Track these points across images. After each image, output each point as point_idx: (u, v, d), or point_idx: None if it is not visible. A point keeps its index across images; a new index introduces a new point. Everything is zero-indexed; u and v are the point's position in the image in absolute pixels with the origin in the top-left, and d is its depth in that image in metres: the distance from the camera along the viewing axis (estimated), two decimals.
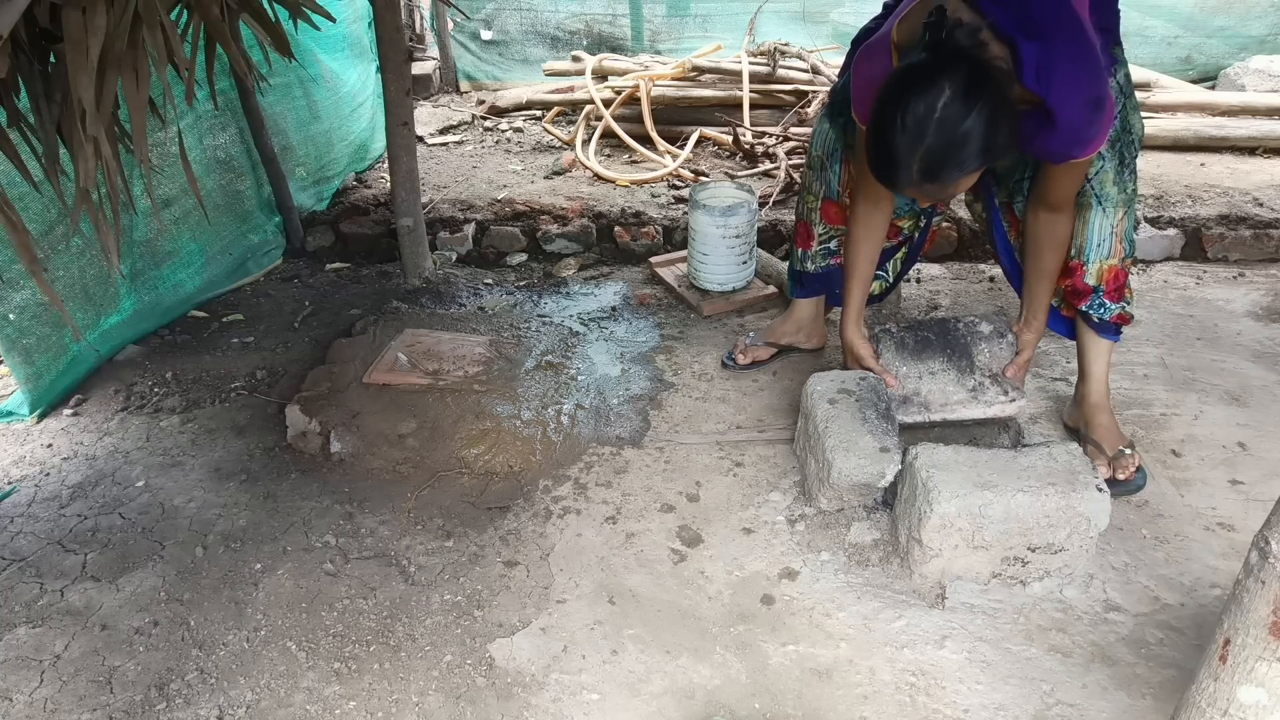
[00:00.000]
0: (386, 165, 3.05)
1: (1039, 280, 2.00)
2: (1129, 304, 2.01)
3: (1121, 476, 1.96)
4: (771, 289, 2.83)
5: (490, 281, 3.07)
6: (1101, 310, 1.99)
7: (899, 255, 2.41)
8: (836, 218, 2.28)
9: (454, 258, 3.30)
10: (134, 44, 1.41)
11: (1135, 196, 1.95)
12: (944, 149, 1.50)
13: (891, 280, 2.45)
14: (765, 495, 1.99)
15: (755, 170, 3.69)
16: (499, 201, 3.48)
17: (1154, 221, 3.14)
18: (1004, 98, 1.52)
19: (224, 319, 2.86)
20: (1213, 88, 4.69)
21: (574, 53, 4.75)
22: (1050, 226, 1.90)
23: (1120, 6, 1.92)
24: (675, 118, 4.13)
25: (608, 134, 4.05)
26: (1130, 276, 2.01)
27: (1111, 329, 2.02)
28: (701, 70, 4.19)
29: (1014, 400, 2.03)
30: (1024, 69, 1.58)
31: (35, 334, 2.30)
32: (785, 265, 2.93)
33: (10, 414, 2.35)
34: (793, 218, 3.23)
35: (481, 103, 4.89)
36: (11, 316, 2.22)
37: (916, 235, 2.39)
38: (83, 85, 1.33)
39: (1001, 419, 2.05)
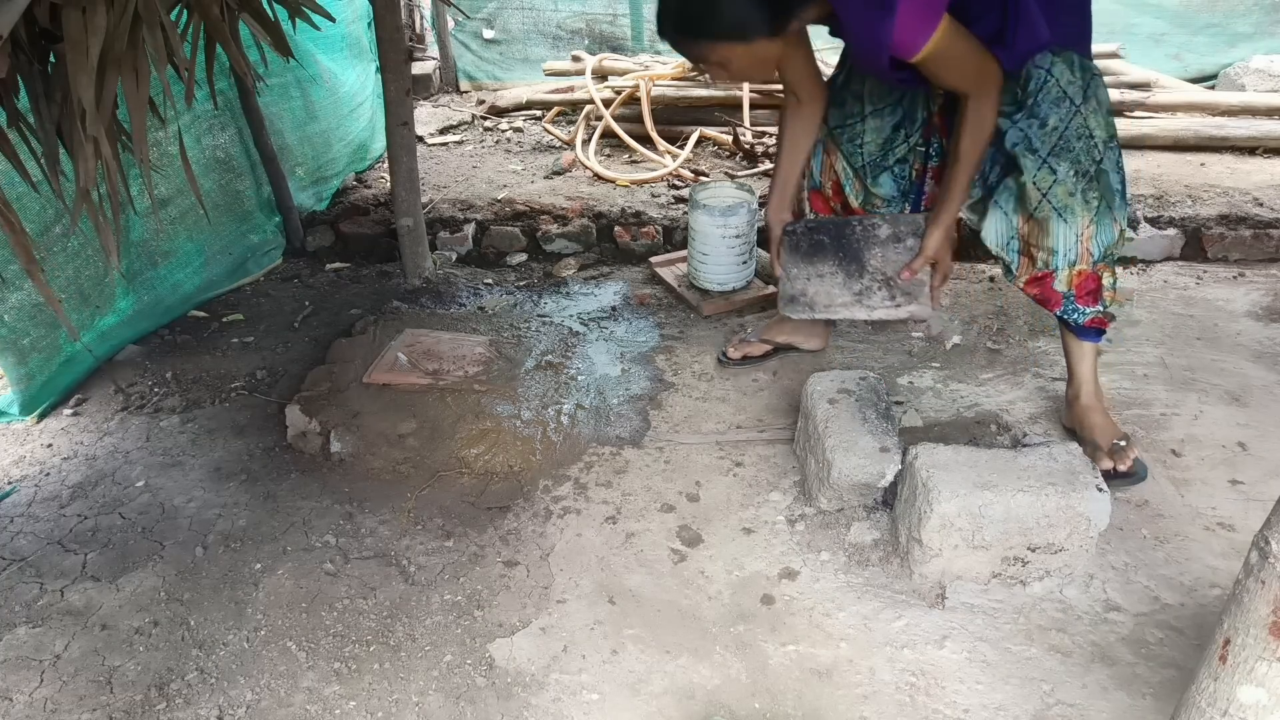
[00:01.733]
0: (386, 165, 3.05)
1: (950, 167, 1.91)
2: (1107, 306, 2.00)
3: (1122, 468, 1.96)
4: (772, 289, 2.83)
5: (490, 281, 3.07)
6: (1076, 314, 1.99)
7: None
8: (824, 207, 2.29)
9: (454, 258, 3.30)
10: (134, 44, 1.41)
11: (1107, 206, 1.92)
12: (696, 7, 1.64)
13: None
14: (765, 495, 1.99)
15: (755, 170, 3.69)
16: (499, 201, 3.48)
17: (1154, 221, 3.14)
18: None
19: (224, 319, 2.86)
20: (1212, 87, 4.69)
21: (574, 52, 4.75)
22: (965, 111, 1.83)
23: (1093, 10, 1.90)
24: (675, 118, 4.13)
25: (608, 134, 4.05)
26: (1107, 278, 1.99)
27: (1091, 332, 2.02)
28: (701, 70, 4.18)
29: (900, 305, 1.99)
30: None
31: (30, 334, 2.30)
32: None
33: (1, 414, 2.34)
34: None
35: (481, 103, 4.90)
36: (6, 317, 2.22)
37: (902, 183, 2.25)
38: (83, 85, 1.33)
39: (894, 321, 2.06)
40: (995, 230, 1.96)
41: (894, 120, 2.10)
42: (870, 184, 2.17)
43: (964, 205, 2.03)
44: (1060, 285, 1.95)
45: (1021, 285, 2.01)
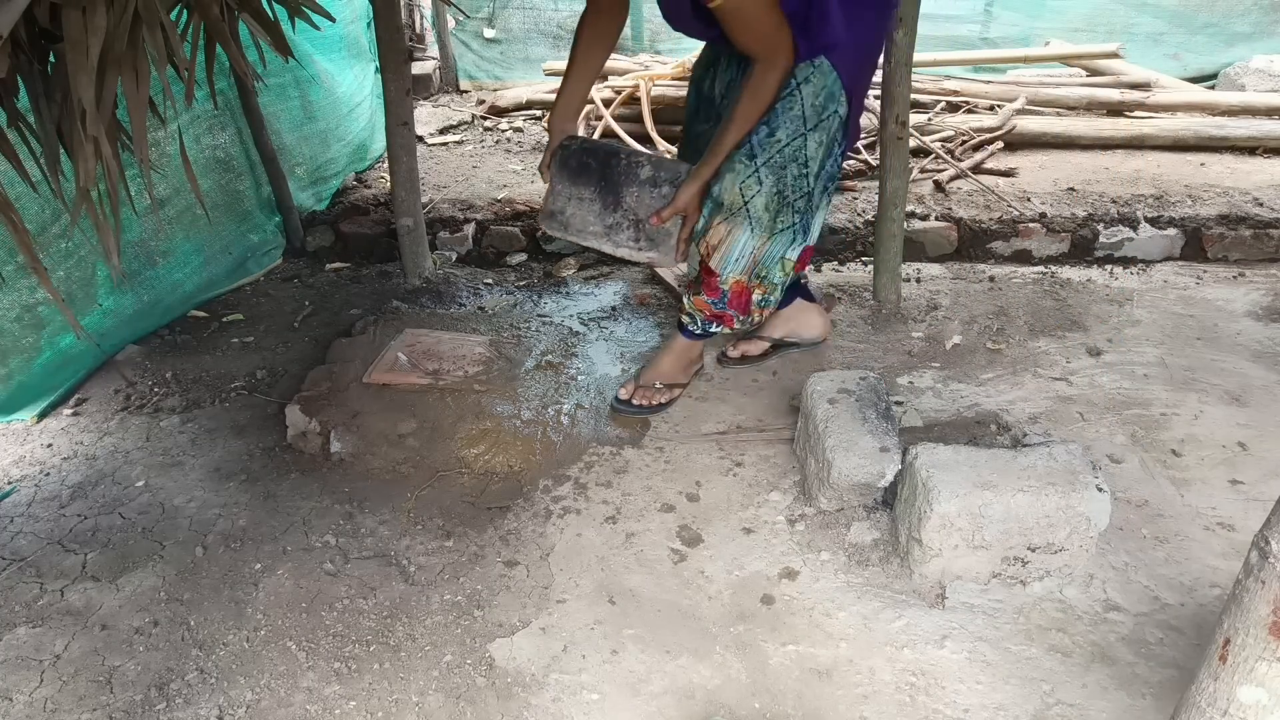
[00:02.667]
0: (386, 165, 3.05)
1: (722, 126, 1.93)
2: (750, 321, 2.16)
3: (636, 401, 2.20)
4: None
5: (490, 281, 3.07)
6: (717, 306, 2.13)
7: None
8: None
9: (454, 258, 3.30)
10: (134, 44, 1.41)
11: (793, 237, 2.01)
12: None
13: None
14: (765, 495, 1.99)
15: None
16: (499, 201, 3.48)
17: (1154, 221, 3.14)
18: None
19: (224, 319, 2.86)
20: (1212, 87, 4.69)
21: None
22: (752, 75, 1.85)
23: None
24: (675, 118, 4.12)
25: (608, 134, 4.05)
26: (758, 294, 2.11)
27: (697, 333, 2.22)
28: None
29: (642, 249, 2.02)
30: None
31: (12, 335, 2.29)
32: None
33: None
34: None
35: (482, 103, 4.90)
36: None
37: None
38: (83, 85, 1.33)
39: (638, 264, 2.12)
40: (702, 218, 2.04)
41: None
42: None
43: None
44: (724, 284, 2.10)
45: (698, 269, 2.14)
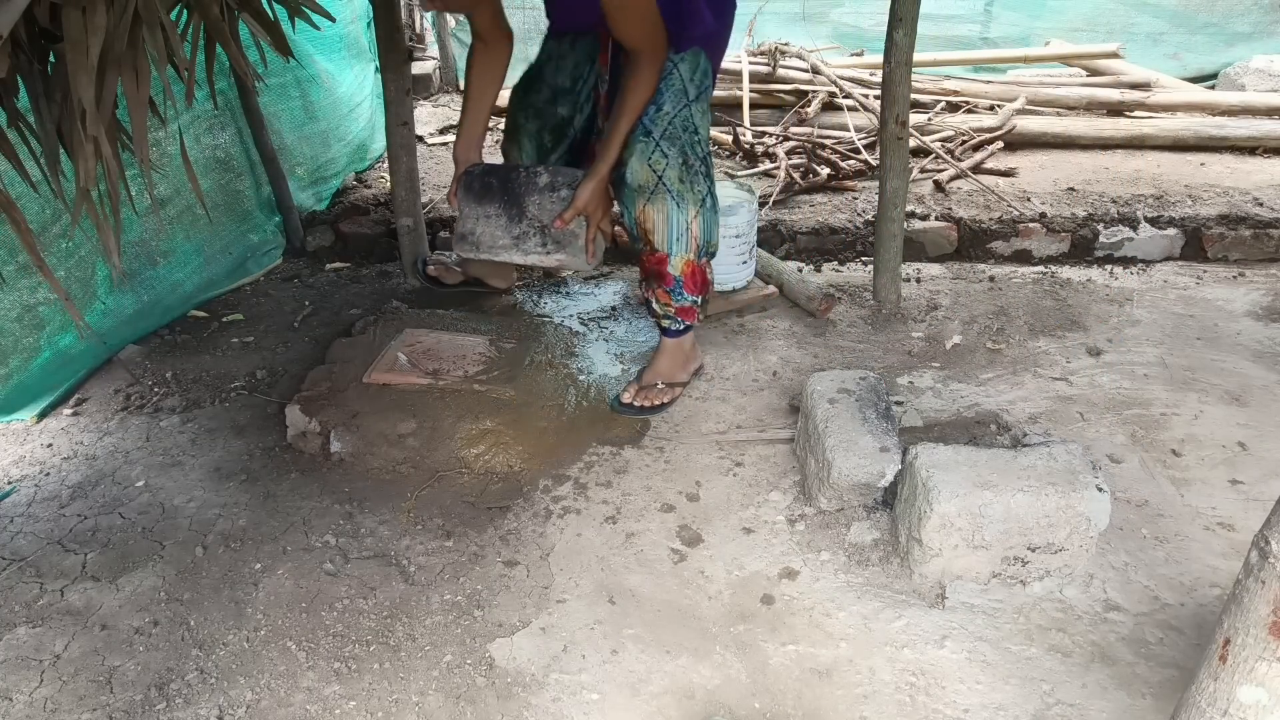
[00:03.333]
0: (386, 165, 3.05)
1: (611, 122, 2.04)
2: (702, 303, 2.22)
3: (638, 403, 2.22)
4: (772, 289, 2.83)
5: None
6: (679, 299, 2.18)
7: (559, 150, 2.38)
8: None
9: (454, 257, 3.29)
10: (134, 44, 1.41)
11: (708, 201, 2.11)
12: None
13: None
14: (765, 495, 1.99)
15: (755, 170, 3.69)
16: None
17: (1154, 221, 3.14)
18: None
19: (224, 319, 2.86)
20: (1212, 87, 4.69)
21: None
22: (634, 69, 1.97)
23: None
24: None
25: None
26: (710, 273, 2.20)
27: (675, 331, 2.26)
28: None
29: (550, 253, 2.13)
30: None
31: (13, 335, 2.29)
32: (785, 265, 2.93)
33: None
34: (788, 216, 3.23)
35: None
36: None
37: (574, 133, 2.36)
38: (83, 85, 1.33)
39: (551, 267, 2.22)
40: (627, 214, 2.13)
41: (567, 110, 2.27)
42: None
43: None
44: (674, 269, 2.13)
45: (645, 258, 2.18)
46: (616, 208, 2.22)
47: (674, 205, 2.06)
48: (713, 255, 2.21)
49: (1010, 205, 3.25)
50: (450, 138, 4.42)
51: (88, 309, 2.53)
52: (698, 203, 2.08)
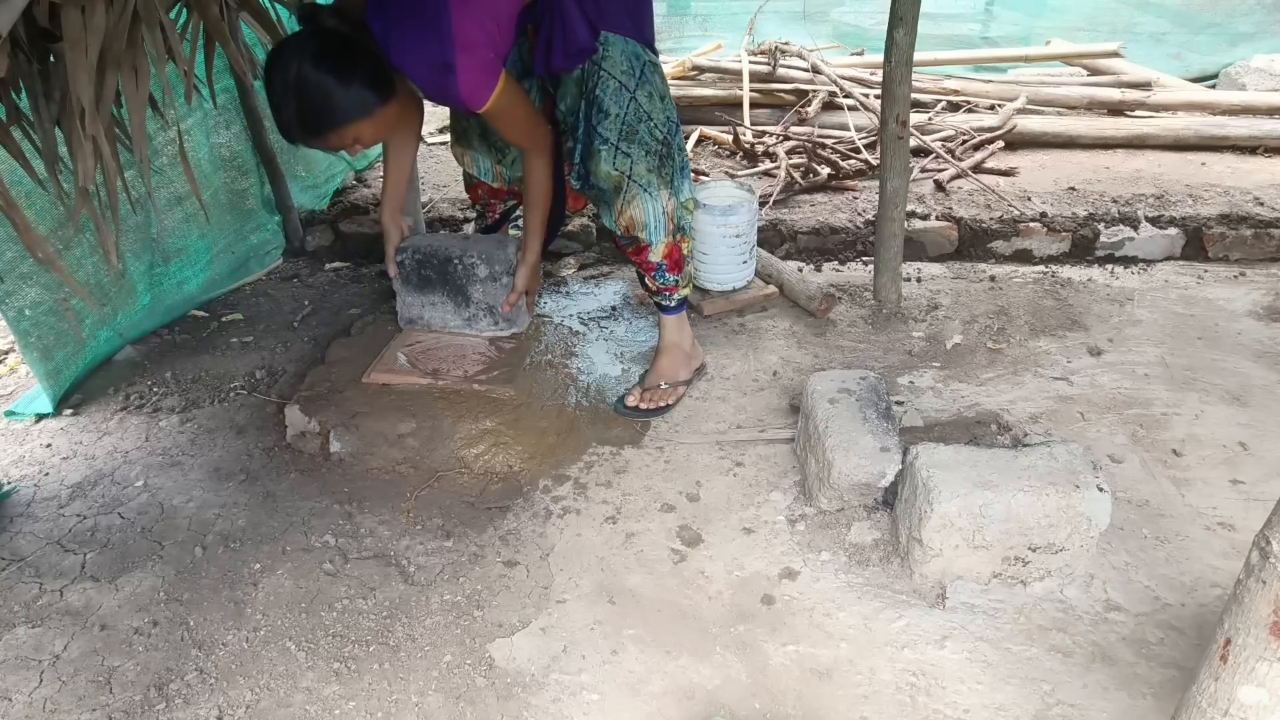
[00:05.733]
0: None
1: (525, 215, 2.23)
2: (682, 282, 2.26)
3: (643, 406, 2.24)
4: (772, 288, 2.83)
5: None
6: (662, 280, 2.23)
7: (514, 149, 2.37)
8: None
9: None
10: (133, 43, 1.41)
11: (676, 176, 2.16)
12: (314, 109, 1.78)
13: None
14: (765, 495, 1.99)
15: (755, 170, 3.69)
16: None
17: (1155, 221, 3.13)
18: (347, 64, 1.78)
19: (223, 318, 2.86)
20: (1213, 86, 4.69)
21: None
22: (526, 167, 2.13)
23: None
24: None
25: None
26: (685, 248, 2.24)
27: (674, 308, 2.29)
28: (701, 69, 4.18)
29: (503, 329, 2.42)
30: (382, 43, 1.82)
31: (54, 330, 2.32)
32: (786, 265, 2.93)
33: (16, 413, 2.35)
34: (788, 216, 3.23)
35: None
36: (27, 312, 2.22)
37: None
38: (82, 84, 1.33)
39: (501, 338, 2.40)
40: (606, 217, 2.18)
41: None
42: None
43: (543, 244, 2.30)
44: (655, 256, 2.20)
45: (630, 252, 2.24)
46: (592, 207, 2.32)
47: (647, 197, 2.10)
48: (691, 212, 2.25)
49: (1011, 205, 3.25)
50: (448, 137, 4.41)
51: (129, 305, 2.61)
52: (666, 183, 2.12)
